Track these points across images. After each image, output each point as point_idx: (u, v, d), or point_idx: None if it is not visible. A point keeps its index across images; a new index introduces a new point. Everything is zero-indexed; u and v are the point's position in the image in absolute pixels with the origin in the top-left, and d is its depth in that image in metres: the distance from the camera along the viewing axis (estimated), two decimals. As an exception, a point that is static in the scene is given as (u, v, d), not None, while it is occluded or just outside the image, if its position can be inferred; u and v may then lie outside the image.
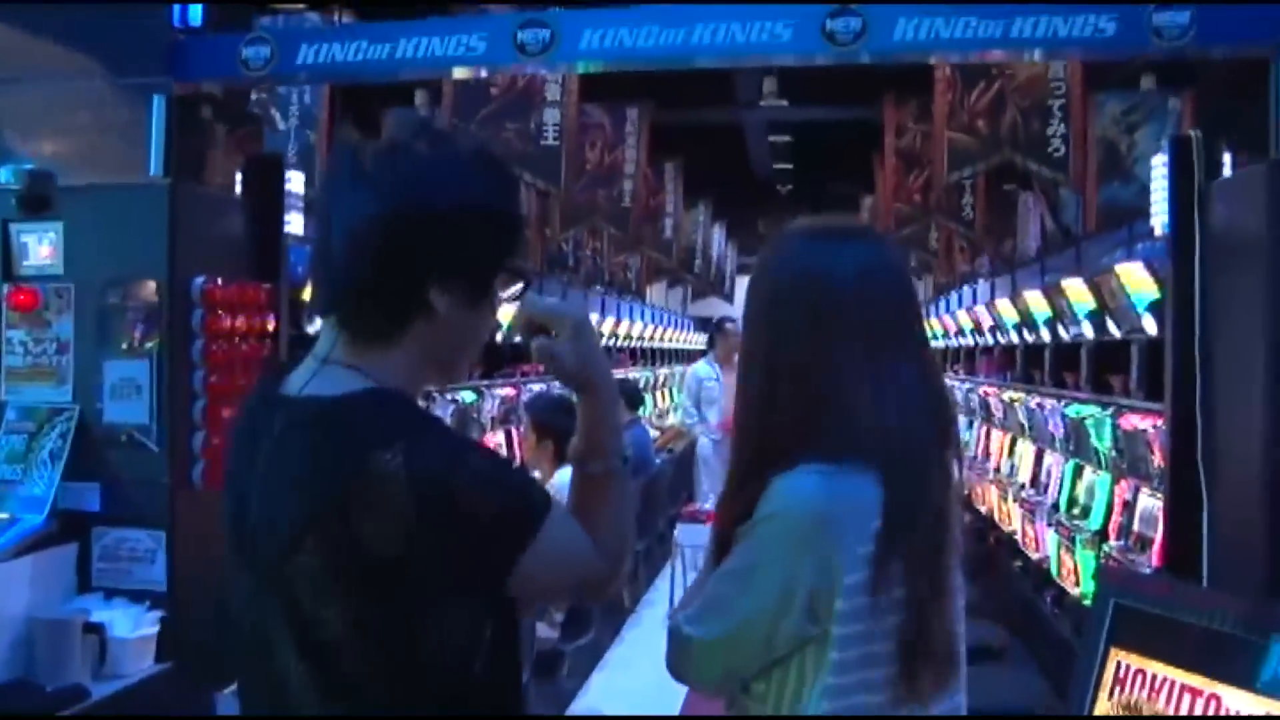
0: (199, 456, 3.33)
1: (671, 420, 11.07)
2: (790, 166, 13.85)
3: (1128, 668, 2.47)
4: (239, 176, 3.73)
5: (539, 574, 1.25)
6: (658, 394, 11.76)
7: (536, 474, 4.31)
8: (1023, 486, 5.77)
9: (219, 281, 3.37)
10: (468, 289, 1.28)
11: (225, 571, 1.35)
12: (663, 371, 12.57)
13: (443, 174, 1.26)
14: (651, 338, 11.93)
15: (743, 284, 16.44)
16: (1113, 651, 2.65)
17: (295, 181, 3.74)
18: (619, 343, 10.22)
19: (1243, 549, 3.07)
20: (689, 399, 8.40)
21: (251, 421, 1.31)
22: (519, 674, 1.34)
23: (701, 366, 8.46)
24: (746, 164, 13.45)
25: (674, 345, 13.77)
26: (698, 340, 16.29)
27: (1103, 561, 3.99)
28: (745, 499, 1.39)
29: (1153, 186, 3.51)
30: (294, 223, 3.76)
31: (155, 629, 3.14)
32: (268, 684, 1.25)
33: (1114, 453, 4.27)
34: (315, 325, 4.22)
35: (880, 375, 1.40)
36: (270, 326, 3.62)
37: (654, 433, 9.04)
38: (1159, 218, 3.47)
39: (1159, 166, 3.45)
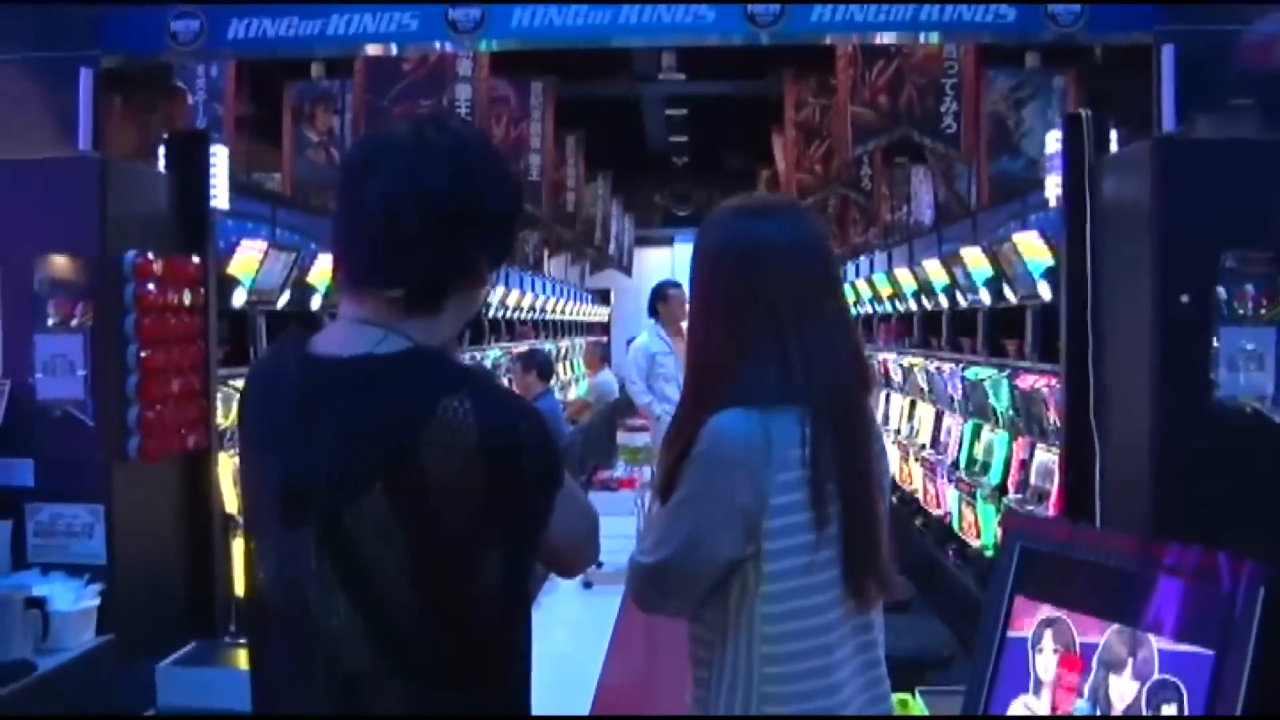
0: (134, 431, 3.36)
1: (574, 394, 11.17)
2: (686, 139, 14.05)
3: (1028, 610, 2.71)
4: (162, 151, 3.73)
5: (562, 520, 1.35)
6: (559, 366, 11.85)
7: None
8: (923, 447, 6.03)
9: (150, 256, 3.40)
10: (494, 263, 1.40)
11: (253, 538, 1.37)
12: (564, 343, 12.68)
13: (489, 154, 1.39)
14: (552, 310, 12.03)
15: (641, 256, 16.60)
16: (1017, 599, 2.89)
17: (221, 156, 3.76)
18: (521, 315, 10.30)
19: (1131, 496, 3.34)
20: (638, 376, 6.95)
21: (284, 386, 1.34)
22: (530, 626, 1.39)
23: (650, 340, 6.96)
24: (643, 138, 13.59)
25: (574, 317, 13.90)
26: (598, 313, 16.43)
27: (1007, 509, 4.25)
28: (684, 440, 1.63)
29: (1047, 161, 3.75)
30: (219, 197, 3.78)
31: (96, 602, 3.18)
32: (307, 642, 1.27)
33: (1011, 412, 4.54)
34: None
35: (804, 332, 1.65)
36: (200, 300, 3.65)
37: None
38: (1053, 189, 3.72)
39: (1053, 142, 3.70)
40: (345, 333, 1.35)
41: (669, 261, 17.26)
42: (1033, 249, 4.07)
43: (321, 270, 4.57)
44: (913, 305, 6.65)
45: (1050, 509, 3.91)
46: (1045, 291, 4.06)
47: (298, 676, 1.28)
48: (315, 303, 4.55)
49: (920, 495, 5.87)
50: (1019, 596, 2.85)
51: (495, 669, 1.30)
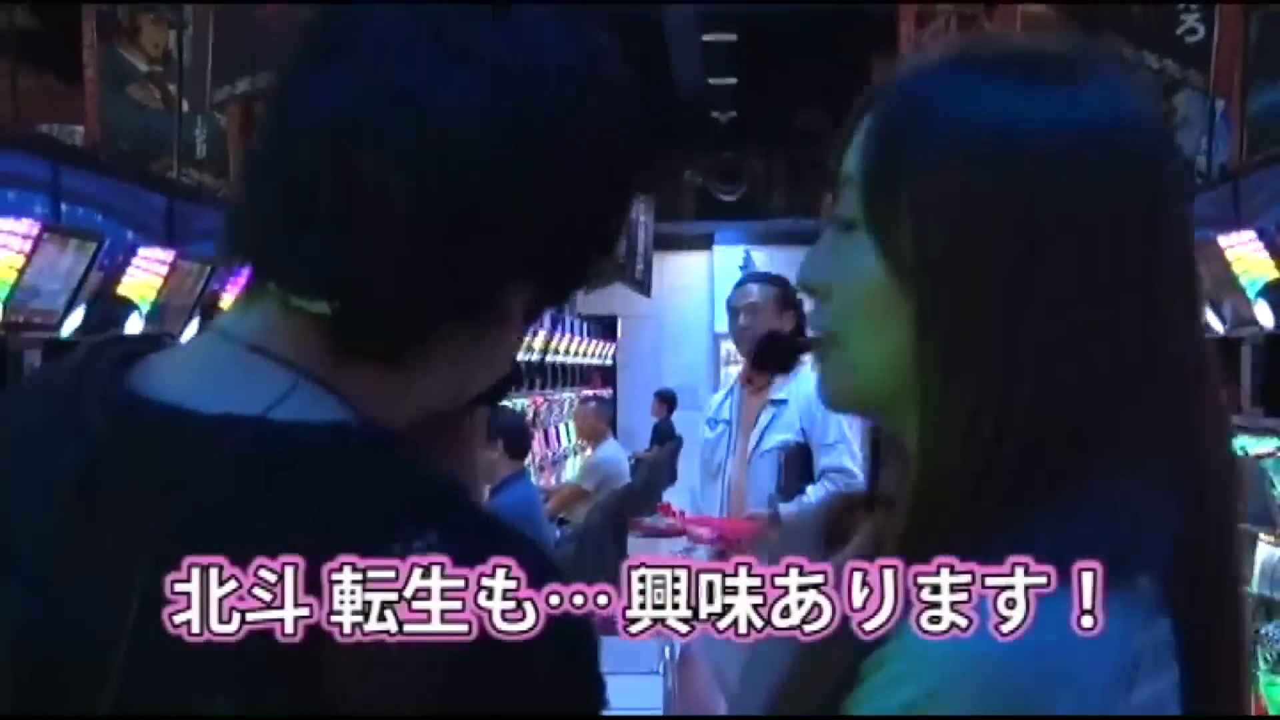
0: None
1: (568, 474, 10.91)
2: (734, 82, 14.03)
3: None
4: None
5: None
6: (540, 432, 11.65)
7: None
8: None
9: None
10: (551, 289, 1.22)
11: None
12: (542, 399, 12.45)
13: (599, 76, 1.17)
14: (524, 348, 11.82)
15: (664, 265, 16.53)
16: None
17: None
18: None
19: None
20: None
21: (58, 456, 1.15)
22: None
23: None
24: (668, 80, 13.66)
25: (559, 358, 13.78)
26: (597, 351, 16.22)
27: None
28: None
29: None
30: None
31: None
32: None
33: None
34: None
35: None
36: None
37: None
38: None
39: None
40: (214, 365, 1.18)
41: (707, 273, 17.19)
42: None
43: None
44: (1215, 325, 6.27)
45: None
46: None
47: None
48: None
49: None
50: None
51: None
